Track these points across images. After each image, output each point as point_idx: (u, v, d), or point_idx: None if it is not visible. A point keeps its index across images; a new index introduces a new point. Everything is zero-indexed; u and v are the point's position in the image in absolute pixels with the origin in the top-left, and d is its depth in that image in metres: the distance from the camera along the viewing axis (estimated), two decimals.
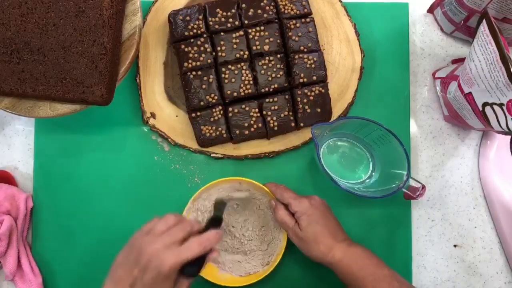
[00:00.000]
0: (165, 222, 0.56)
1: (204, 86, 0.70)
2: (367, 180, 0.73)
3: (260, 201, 0.71)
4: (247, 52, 0.71)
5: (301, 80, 0.71)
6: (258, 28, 0.71)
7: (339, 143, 0.74)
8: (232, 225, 0.71)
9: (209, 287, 0.68)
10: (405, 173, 0.66)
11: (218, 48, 0.70)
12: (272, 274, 0.68)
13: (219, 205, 0.66)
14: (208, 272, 0.68)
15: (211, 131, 0.71)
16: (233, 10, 0.71)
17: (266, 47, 0.71)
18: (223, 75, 0.70)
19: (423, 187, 0.66)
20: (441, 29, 0.77)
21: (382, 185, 0.70)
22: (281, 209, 0.67)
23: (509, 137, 0.69)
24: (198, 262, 0.55)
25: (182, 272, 0.53)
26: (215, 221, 0.62)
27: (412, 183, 0.67)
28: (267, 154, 0.73)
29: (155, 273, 0.51)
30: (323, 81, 0.72)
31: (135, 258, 0.54)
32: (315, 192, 0.68)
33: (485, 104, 0.61)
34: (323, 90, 0.71)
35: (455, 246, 0.74)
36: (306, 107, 0.71)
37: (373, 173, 0.73)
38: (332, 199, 0.72)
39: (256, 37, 0.71)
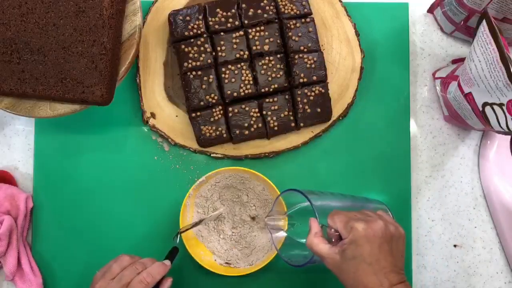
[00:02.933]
0: (119, 264, 0.60)
1: (204, 86, 0.70)
2: None
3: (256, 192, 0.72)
4: (247, 52, 0.71)
5: (301, 80, 0.71)
6: (258, 28, 0.71)
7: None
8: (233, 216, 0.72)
9: (213, 278, 0.68)
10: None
11: (218, 48, 0.70)
12: (272, 264, 0.68)
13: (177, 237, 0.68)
14: (211, 265, 0.68)
15: (211, 131, 0.71)
16: (233, 10, 0.71)
17: (266, 47, 0.71)
18: (223, 75, 0.70)
19: (336, 231, 0.56)
20: (441, 29, 0.77)
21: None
22: (314, 234, 0.56)
23: (509, 137, 0.69)
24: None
25: None
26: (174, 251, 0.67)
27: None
28: (267, 154, 0.73)
29: None
30: (323, 81, 0.72)
31: None
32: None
33: (485, 104, 0.61)
34: (323, 90, 0.71)
35: (455, 246, 0.74)
36: (306, 107, 0.71)
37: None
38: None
39: (256, 37, 0.71)
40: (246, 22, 0.71)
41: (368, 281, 0.52)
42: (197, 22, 0.70)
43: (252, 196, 0.72)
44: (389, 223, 0.55)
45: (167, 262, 0.63)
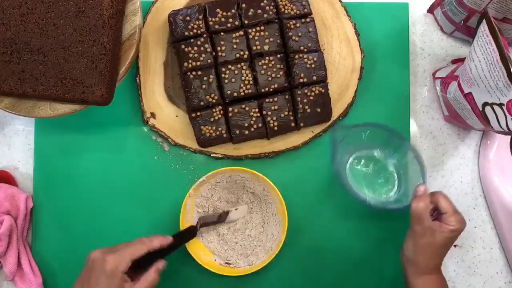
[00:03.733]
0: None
1: (204, 86, 0.70)
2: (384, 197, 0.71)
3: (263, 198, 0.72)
4: (247, 52, 0.71)
5: (301, 80, 0.71)
6: (258, 28, 0.71)
7: (366, 156, 0.71)
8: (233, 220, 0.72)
9: (213, 278, 0.68)
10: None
11: (218, 48, 0.70)
12: (272, 264, 0.68)
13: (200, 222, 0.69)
14: (211, 264, 0.69)
15: (211, 131, 0.71)
16: (233, 10, 0.71)
17: (266, 47, 0.71)
18: (223, 75, 0.70)
19: (434, 209, 0.63)
20: (441, 29, 0.77)
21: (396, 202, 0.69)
22: (427, 201, 0.61)
23: (509, 137, 0.69)
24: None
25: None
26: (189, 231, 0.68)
27: None
28: (267, 154, 0.73)
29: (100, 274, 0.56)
30: (323, 81, 0.72)
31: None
32: (315, 191, 0.68)
33: (485, 104, 0.61)
34: (323, 90, 0.71)
35: (455, 246, 0.74)
36: (306, 107, 0.71)
37: (395, 194, 0.71)
38: (332, 198, 0.72)
39: (256, 37, 0.71)
40: (246, 22, 0.71)
41: (420, 259, 0.61)
42: (197, 22, 0.70)
43: (252, 196, 0.72)
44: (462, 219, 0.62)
45: (169, 236, 0.63)
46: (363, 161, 0.71)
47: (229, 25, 0.71)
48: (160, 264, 0.60)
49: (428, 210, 0.60)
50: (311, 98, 0.71)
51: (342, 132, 0.65)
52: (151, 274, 0.58)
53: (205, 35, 0.71)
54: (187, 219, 0.69)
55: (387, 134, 0.67)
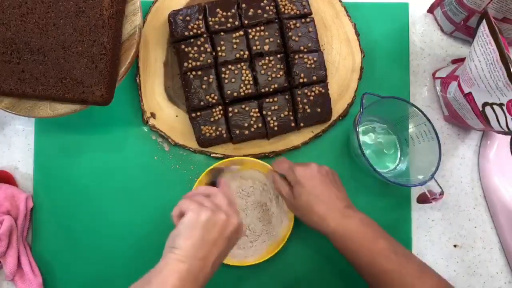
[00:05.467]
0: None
1: (204, 86, 0.70)
2: (391, 171, 0.73)
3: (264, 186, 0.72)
4: (247, 52, 0.71)
5: (301, 80, 0.71)
6: (258, 28, 0.71)
7: (375, 127, 0.74)
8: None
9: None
10: (430, 173, 0.66)
11: (218, 48, 0.70)
12: (279, 254, 0.68)
13: (214, 172, 0.68)
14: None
15: (211, 131, 0.71)
16: (233, 10, 0.71)
17: (266, 47, 0.71)
18: (223, 75, 0.70)
19: (442, 193, 0.66)
20: (441, 29, 0.77)
21: (401, 177, 0.71)
22: (277, 178, 0.67)
23: (509, 137, 0.69)
24: None
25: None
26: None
27: (433, 185, 0.66)
28: (267, 154, 0.73)
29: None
30: (323, 81, 0.72)
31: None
32: None
33: (485, 104, 0.61)
34: (323, 90, 0.71)
35: (455, 246, 0.74)
36: (306, 107, 0.71)
37: (398, 166, 0.73)
38: None
39: (256, 37, 0.71)
40: (246, 22, 0.71)
41: (318, 208, 0.62)
42: (197, 22, 0.70)
43: (262, 190, 0.72)
44: (320, 165, 0.65)
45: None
46: (371, 133, 0.74)
47: (229, 25, 0.71)
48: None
49: (282, 188, 0.66)
50: (311, 98, 0.71)
51: (369, 99, 0.66)
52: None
53: (205, 35, 0.71)
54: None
55: (409, 110, 0.69)
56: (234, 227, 0.56)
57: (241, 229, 0.58)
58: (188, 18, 0.70)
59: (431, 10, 0.77)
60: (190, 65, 0.70)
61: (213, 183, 0.68)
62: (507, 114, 0.58)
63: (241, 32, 0.71)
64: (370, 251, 0.59)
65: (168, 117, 0.73)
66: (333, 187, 0.64)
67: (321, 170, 0.64)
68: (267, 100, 0.71)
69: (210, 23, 0.70)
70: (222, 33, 0.71)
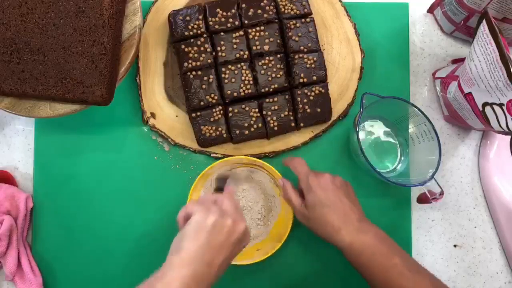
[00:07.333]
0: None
1: (204, 86, 0.70)
2: (391, 172, 0.73)
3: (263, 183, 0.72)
4: (247, 52, 0.71)
5: (301, 80, 0.71)
6: (258, 28, 0.71)
7: (375, 127, 0.74)
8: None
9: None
10: (430, 173, 0.66)
11: (218, 48, 0.70)
12: (278, 255, 0.68)
13: (220, 180, 0.68)
14: None
15: (211, 131, 0.71)
16: (233, 10, 0.71)
17: (266, 47, 0.71)
18: (223, 75, 0.70)
19: (442, 193, 0.66)
20: (441, 29, 0.77)
21: (401, 177, 0.71)
22: (289, 187, 0.65)
23: (509, 137, 0.69)
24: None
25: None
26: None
27: (433, 185, 0.66)
28: (267, 154, 0.73)
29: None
30: (323, 81, 0.72)
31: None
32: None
33: (485, 104, 0.61)
34: (323, 90, 0.71)
35: (455, 246, 0.74)
36: (306, 107, 0.71)
37: (398, 166, 0.73)
38: None
39: (256, 37, 0.71)
40: (246, 22, 0.71)
41: (333, 219, 0.60)
42: (197, 22, 0.70)
43: (259, 189, 0.72)
44: (334, 176, 0.64)
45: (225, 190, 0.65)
46: (371, 133, 0.74)
47: (229, 25, 0.71)
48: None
49: (293, 197, 0.65)
50: (311, 98, 0.71)
51: (369, 99, 0.66)
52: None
53: (205, 35, 0.71)
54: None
55: (408, 110, 0.69)
56: (240, 233, 0.56)
57: (247, 235, 0.58)
58: (188, 18, 0.70)
59: (431, 10, 0.77)
60: (190, 65, 0.70)
61: (218, 189, 0.67)
62: (507, 114, 0.58)
63: (241, 32, 0.71)
64: (385, 267, 0.58)
65: (168, 117, 0.73)
66: (346, 199, 0.62)
67: (335, 181, 0.63)
68: (267, 100, 0.71)
69: (210, 23, 0.70)
70: (222, 33, 0.71)
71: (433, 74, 0.76)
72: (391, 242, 0.60)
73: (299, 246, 0.72)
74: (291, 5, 0.71)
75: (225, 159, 0.68)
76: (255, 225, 0.71)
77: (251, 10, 0.71)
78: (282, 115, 0.71)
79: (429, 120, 0.67)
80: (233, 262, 0.67)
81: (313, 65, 0.71)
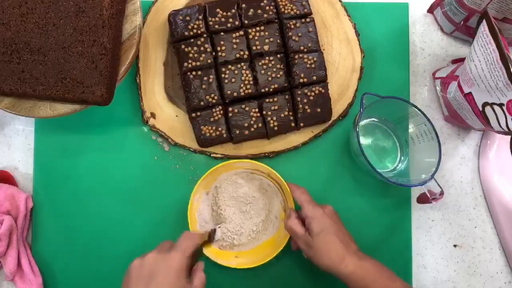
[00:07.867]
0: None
1: (204, 86, 0.70)
2: (390, 172, 0.73)
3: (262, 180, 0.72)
4: (247, 52, 0.71)
5: (301, 80, 0.71)
6: (258, 28, 0.71)
7: (375, 127, 0.74)
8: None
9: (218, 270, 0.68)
10: (430, 173, 0.66)
11: (218, 48, 0.70)
12: (278, 258, 0.68)
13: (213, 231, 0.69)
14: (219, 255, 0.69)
15: (211, 131, 0.71)
16: (233, 10, 0.71)
17: (266, 47, 0.71)
18: (223, 75, 0.70)
19: (442, 193, 0.66)
20: (441, 29, 0.77)
21: (401, 177, 0.71)
22: (293, 217, 0.65)
23: (509, 137, 0.69)
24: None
25: None
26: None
27: (433, 185, 0.66)
28: (267, 154, 0.73)
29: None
30: (323, 81, 0.72)
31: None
32: (315, 192, 0.68)
33: (485, 104, 0.61)
34: (323, 90, 0.71)
35: (455, 246, 0.74)
36: (306, 107, 0.71)
37: (398, 166, 0.73)
38: (332, 198, 0.72)
39: (256, 37, 0.71)
40: (246, 22, 0.71)
41: (337, 247, 0.61)
42: (197, 22, 0.70)
43: (260, 192, 0.72)
44: (324, 205, 0.65)
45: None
46: (371, 133, 0.74)
47: (229, 25, 0.71)
48: (202, 264, 0.59)
49: (297, 226, 0.64)
50: (311, 98, 0.71)
51: (369, 99, 0.66)
52: (201, 274, 0.57)
53: (205, 35, 0.71)
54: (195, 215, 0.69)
55: (408, 110, 0.69)
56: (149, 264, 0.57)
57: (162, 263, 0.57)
58: (188, 18, 0.70)
59: (431, 10, 0.77)
60: (190, 65, 0.70)
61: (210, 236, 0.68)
62: (507, 114, 0.58)
63: (241, 32, 0.71)
64: None
65: (168, 117, 0.73)
66: (345, 230, 0.64)
67: (336, 213, 0.65)
68: (267, 100, 0.71)
69: (210, 23, 0.70)
70: (222, 33, 0.71)
71: (433, 74, 0.76)
72: (387, 268, 0.62)
73: (299, 251, 0.72)
74: (291, 5, 0.71)
75: (248, 160, 0.68)
76: (247, 233, 0.71)
77: (251, 10, 0.71)
78: (282, 115, 0.71)
79: (429, 120, 0.67)
80: (208, 254, 0.67)
81: (313, 65, 0.71)
